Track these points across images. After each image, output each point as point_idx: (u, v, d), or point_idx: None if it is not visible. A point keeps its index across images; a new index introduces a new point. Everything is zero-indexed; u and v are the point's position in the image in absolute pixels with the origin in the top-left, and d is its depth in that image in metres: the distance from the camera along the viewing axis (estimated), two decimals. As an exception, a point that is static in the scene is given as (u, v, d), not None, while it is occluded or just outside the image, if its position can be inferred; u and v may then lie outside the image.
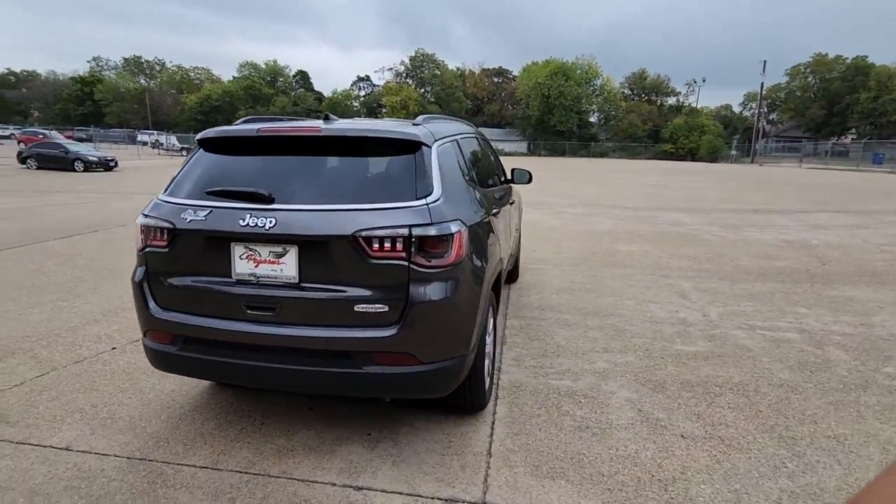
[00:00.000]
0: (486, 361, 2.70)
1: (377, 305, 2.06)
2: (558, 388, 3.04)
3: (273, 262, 2.10)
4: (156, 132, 50.55)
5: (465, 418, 2.66)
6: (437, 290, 2.10)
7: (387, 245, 2.02)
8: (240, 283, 2.14)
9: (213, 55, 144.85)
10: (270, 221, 2.05)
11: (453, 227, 2.15)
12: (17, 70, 72.70)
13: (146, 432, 2.53)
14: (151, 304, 2.25)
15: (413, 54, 63.44)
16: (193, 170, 2.36)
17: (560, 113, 51.21)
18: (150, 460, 2.31)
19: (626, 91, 61.35)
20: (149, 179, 18.47)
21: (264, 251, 2.10)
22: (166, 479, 2.19)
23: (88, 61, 76.20)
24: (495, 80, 68.80)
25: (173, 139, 45.61)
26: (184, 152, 40.80)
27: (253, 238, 2.08)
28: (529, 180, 4.57)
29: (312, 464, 2.28)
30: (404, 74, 64.53)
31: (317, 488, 2.13)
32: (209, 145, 2.41)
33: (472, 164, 3.04)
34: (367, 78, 70.69)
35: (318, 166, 2.29)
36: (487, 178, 3.50)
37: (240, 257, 2.12)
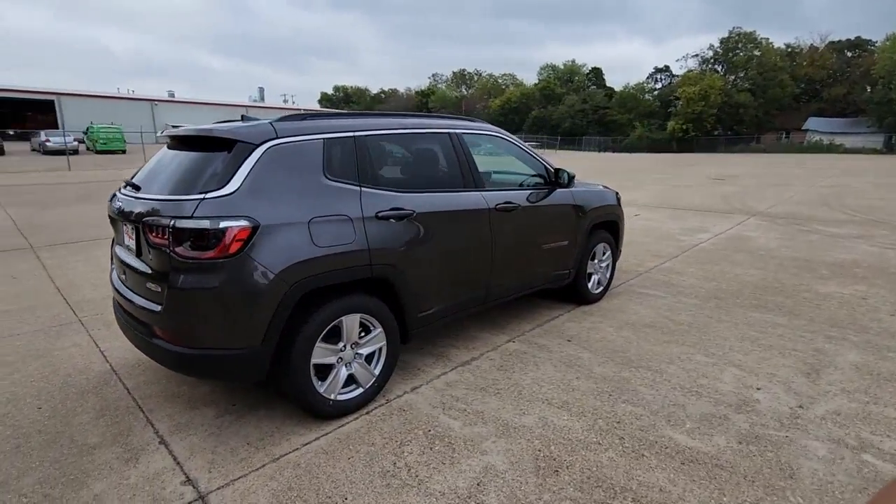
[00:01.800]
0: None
1: (153, 284, 2.35)
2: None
3: (129, 237, 2.63)
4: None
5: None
6: (196, 280, 2.22)
7: (157, 232, 2.27)
8: (124, 250, 2.76)
9: (526, 60, 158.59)
10: (128, 205, 2.57)
11: (224, 223, 2.22)
12: (386, 89, 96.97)
13: None
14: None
15: (727, 35, 54.51)
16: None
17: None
18: None
19: None
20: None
21: (128, 228, 2.65)
22: None
23: (428, 77, 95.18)
24: (847, 54, 52.61)
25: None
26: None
27: (121, 218, 2.66)
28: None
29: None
30: (712, 60, 56.25)
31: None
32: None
33: (373, 165, 2.85)
34: (667, 69, 64.77)
35: (174, 162, 2.66)
36: (427, 181, 3.20)
37: (124, 232, 2.73)
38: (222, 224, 2.22)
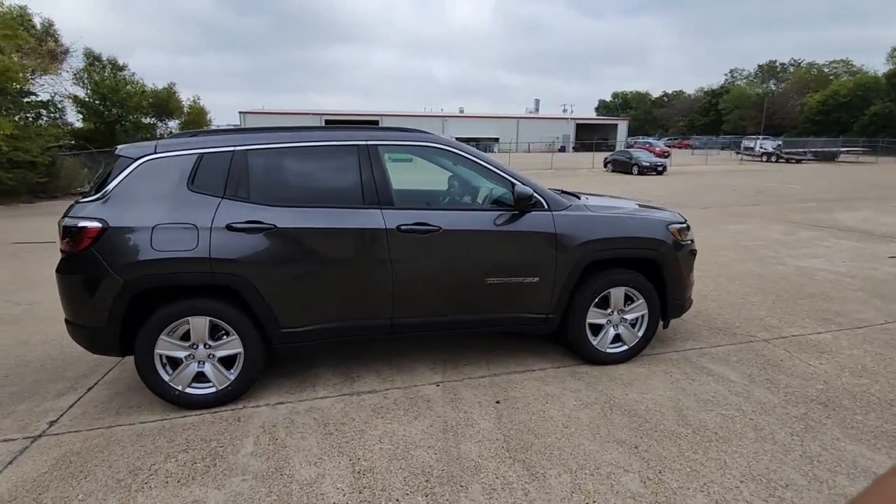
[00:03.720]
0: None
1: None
2: None
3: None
4: (760, 137, 49.27)
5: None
6: (65, 266, 2.79)
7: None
8: None
9: (868, 42, 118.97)
10: None
11: (81, 223, 2.72)
12: (671, 91, 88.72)
13: None
14: None
15: None
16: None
17: None
18: None
19: None
20: (663, 184, 19.63)
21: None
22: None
23: (725, 74, 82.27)
24: None
25: (767, 143, 43.19)
26: (773, 159, 38.18)
27: None
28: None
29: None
30: None
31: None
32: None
33: (247, 179, 2.89)
34: None
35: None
36: (312, 195, 3.00)
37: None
38: (80, 223, 2.74)
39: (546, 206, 3.23)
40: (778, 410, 2.85)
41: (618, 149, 40.22)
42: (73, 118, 30.68)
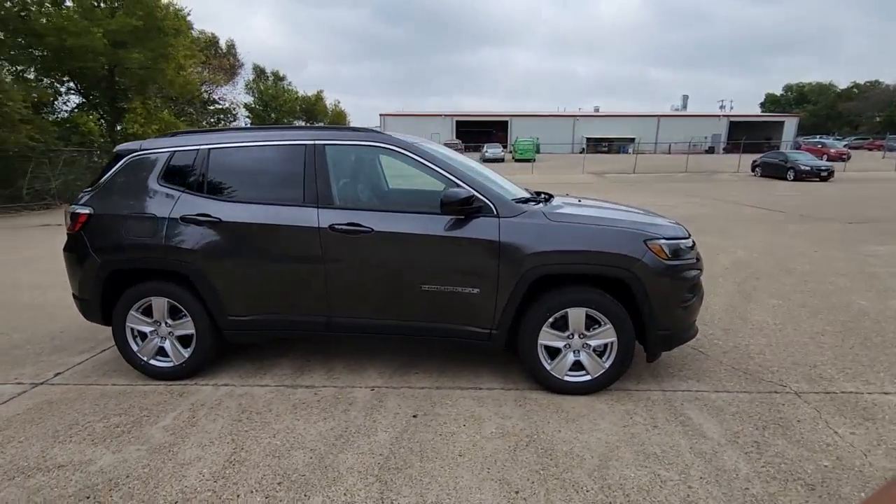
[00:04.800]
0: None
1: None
2: None
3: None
4: None
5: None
6: (68, 245, 3.32)
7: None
8: None
9: None
10: None
11: (77, 209, 3.23)
12: (861, 82, 73.59)
13: None
14: None
15: None
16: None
17: None
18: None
19: None
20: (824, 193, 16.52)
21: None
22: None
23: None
24: None
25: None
26: None
27: None
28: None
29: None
30: None
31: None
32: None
33: (206, 175, 3.12)
34: None
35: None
36: (258, 191, 3.13)
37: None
38: (75, 210, 3.25)
39: (494, 212, 2.95)
40: (736, 484, 2.22)
41: (783, 149, 34.42)
42: (244, 122, 35.98)
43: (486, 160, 39.76)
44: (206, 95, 32.14)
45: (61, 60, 17.22)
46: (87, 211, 3.23)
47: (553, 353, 3.03)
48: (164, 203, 3.16)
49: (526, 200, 3.23)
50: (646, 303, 2.88)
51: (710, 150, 52.98)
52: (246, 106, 36.40)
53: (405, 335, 3.14)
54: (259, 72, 37.25)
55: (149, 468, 2.38)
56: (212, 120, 33.42)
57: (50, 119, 17.48)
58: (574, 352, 3.02)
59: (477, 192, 2.96)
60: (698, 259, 3.18)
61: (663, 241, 2.93)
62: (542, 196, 3.65)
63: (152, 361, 3.30)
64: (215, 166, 3.22)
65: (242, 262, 3.11)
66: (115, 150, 3.44)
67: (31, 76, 18.17)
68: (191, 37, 23.95)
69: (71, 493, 2.22)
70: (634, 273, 2.85)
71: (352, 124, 39.89)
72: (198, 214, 3.10)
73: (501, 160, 40.27)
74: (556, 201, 3.44)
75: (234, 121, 35.78)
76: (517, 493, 2.19)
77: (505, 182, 3.99)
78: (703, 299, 3.31)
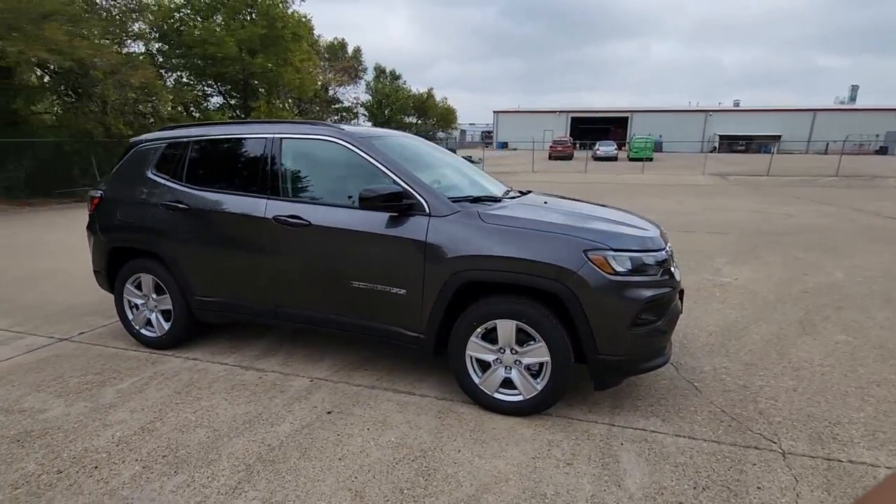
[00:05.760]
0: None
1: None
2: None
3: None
4: None
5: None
6: (87, 225, 3.84)
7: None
8: None
9: None
10: None
11: (92, 193, 3.73)
12: None
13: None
14: None
15: None
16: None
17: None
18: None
19: None
20: None
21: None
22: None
23: None
24: None
25: None
26: None
27: None
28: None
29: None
30: None
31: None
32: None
33: (187, 165, 3.39)
34: None
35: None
36: (224, 181, 3.32)
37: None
38: (92, 193, 3.75)
39: (426, 210, 2.78)
40: None
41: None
42: (361, 119, 38.59)
43: (596, 158, 37.73)
44: (329, 94, 35.06)
45: (207, 67, 20.05)
46: (98, 195, 3.72)
47: (485, 366, 2.78)
48: (153, 190, 3.51)
49: (476, 200, 3.01)
50: (583, 322, 2.50)
51: (883, 151, 44.33)
52: (363, 104, 38.67)
53: (344, 331, 3.12)
54: (380, 71, 39.38)
55: (78, 424, 2.68)
56: (335, 117, 36.36)
57: (194, 116, 20.44)
58: (505, 368, 2.74)
59: (411, 188, 2.82)
60: (670, 275, 2.68)
61: (611, 252, 2.51)
62: (516, 195, 3.37)
63: (142, 331, 3.70)
64: (194, 157, 3.49)
65: (203, 246, 3.34)
66: (129, 141, 3.91)
67: (186, 81, 21.48)
68: (310, 41, 26.19)
69: (11, 434, 2.58)
70: (568, 287, 2.49)
71: (458, 121, 40.54)
72: (173, 201, 3.39)
73: (614, 159, 37.95)
74: (508, 201, 3.15)
75: (355, 118, 38.49)
76: (364, 508, 2.05)
77: (491, 182, 3.78)
78: (676, 321, 2.79)
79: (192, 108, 20.73)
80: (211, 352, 3.62)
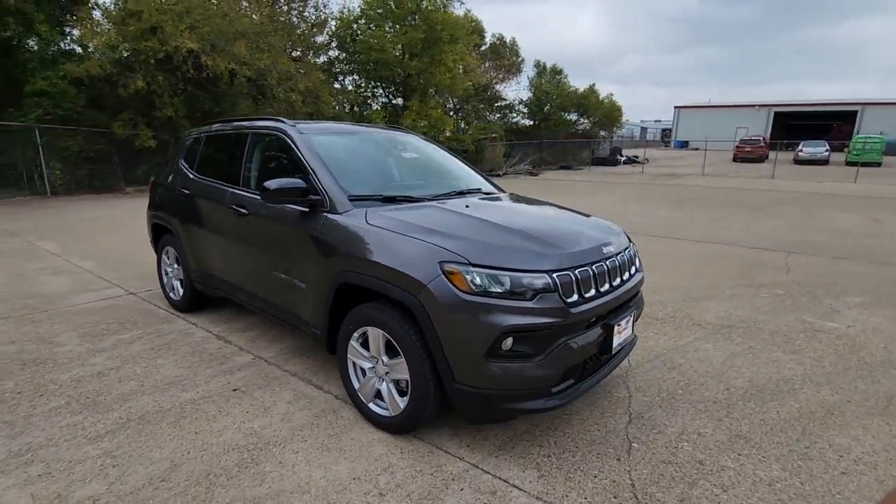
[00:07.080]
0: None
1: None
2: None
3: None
4: None
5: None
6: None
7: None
8: None
9: None
10: None
11: (152, 177, 4.56)
12: None
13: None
14: None
15: None
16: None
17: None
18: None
19: None
20: None
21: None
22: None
23: None
24: None
25: None
26: None
27: None
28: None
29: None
30: None
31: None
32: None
33: (200, 156, 3.90)
34: None
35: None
36: (218, 171, 3.71)
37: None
38: (152, 177, 4.58)
39: (325, 206, 2.75)
40: None
41: None
42: (522, 116, 38.61)
43: (798, 162, 31.33)
44: (488, 93, 35.74)
45: (374, 71, 22.35)
46: (153, 179, 4.53)
47: (365, 374, 2.65)
48: (178, 177, 4.15)
49: (389, 199, 2.85)
50: (435, 342, 2.21)
51: None
52: (522, 101, 38.56)
53: (278, 318, 3.24)
54: (542, 68, 38.81)
55: (68, 360, 3.35)
56: (497, 115, 37.02)
57: (359, 114, 22.98)
58: (378, 378, 2.57)
59: (319, 184, 2.81)
60: (567, 304, 2.18)
61: (470, 267, 2.15)
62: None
63: (170, 294, 4.41)
64: (204, 149, 4.01)
65: (196, 227, 3.82)
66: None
67: (358, 84, 24.28)
68: (476, 41, 26.98)
69: (25, 359, 3.36)
70: (419, 301, 2.22)
71: (628, 119, 37.41)
72: (182, 188, 3.97)
73: (824, 162, 31.23)
74: (430, 203, 2.89)
75: (516, 115, 38.58)
76: (154, 480, 2.17)
77: (479, 179, 3.62)
78: (582, 363, 2.28)
79: (355, 108, 23.32)
80: (211, 320, 4.13)
